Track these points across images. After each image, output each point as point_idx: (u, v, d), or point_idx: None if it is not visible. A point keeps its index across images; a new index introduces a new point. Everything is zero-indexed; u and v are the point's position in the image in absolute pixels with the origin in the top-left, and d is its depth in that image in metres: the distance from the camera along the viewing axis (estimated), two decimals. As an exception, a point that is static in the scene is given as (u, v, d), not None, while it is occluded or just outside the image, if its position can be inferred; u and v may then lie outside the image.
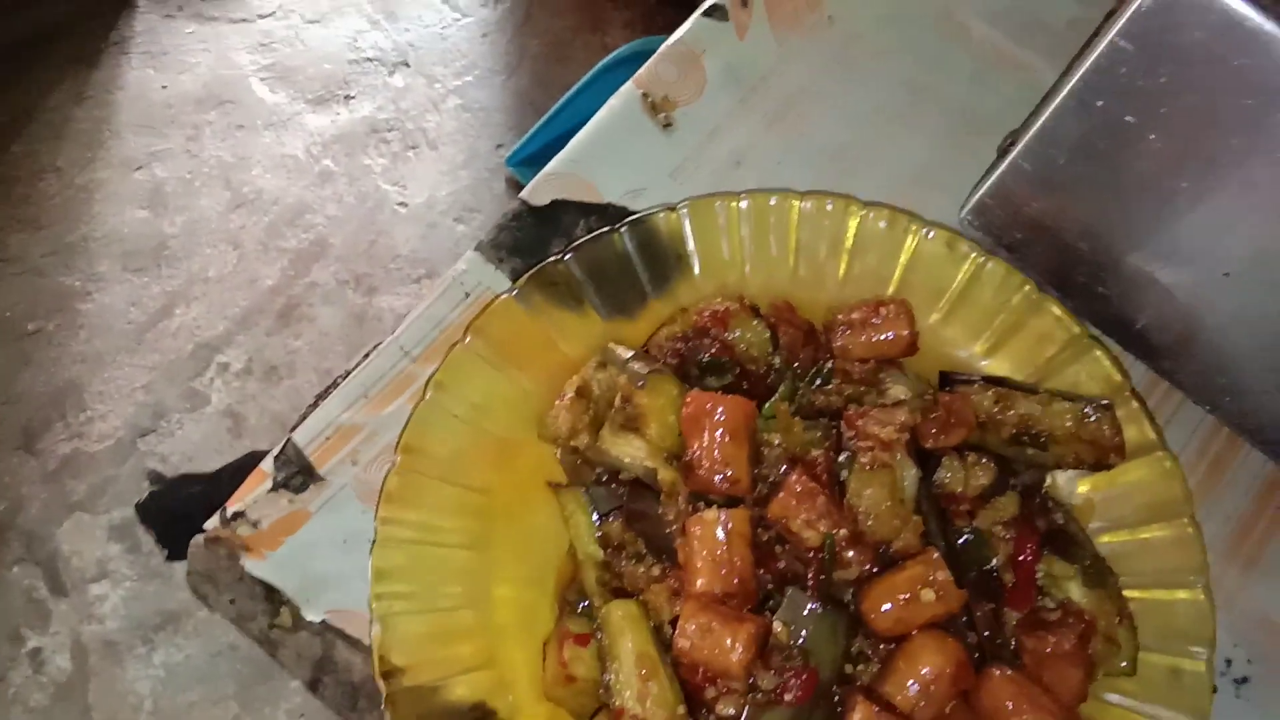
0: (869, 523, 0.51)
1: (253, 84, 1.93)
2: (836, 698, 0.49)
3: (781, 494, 0.51)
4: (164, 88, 1.91)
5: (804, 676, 0.47)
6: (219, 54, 1.95)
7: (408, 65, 1.97)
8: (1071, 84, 0.55)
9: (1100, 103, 0.54)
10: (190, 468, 1.63)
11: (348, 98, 1.93)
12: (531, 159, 1.82)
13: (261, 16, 1.99)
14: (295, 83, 1.94)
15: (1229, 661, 0.62)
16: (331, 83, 1.94)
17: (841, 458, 0.53)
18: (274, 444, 0.60)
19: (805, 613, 0.49)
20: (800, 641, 0.48)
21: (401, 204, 1.86)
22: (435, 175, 1.89)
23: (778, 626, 0.48)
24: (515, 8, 2.05)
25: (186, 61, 1.94)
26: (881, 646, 0.51)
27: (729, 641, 0.47)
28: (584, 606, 0.55)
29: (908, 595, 0.50)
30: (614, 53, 1.73)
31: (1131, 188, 0.56)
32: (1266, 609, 0.63)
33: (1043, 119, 0.57)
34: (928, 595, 0.50)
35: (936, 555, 0.50)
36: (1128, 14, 0.51)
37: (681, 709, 0.49)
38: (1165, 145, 0.54)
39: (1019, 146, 0.59)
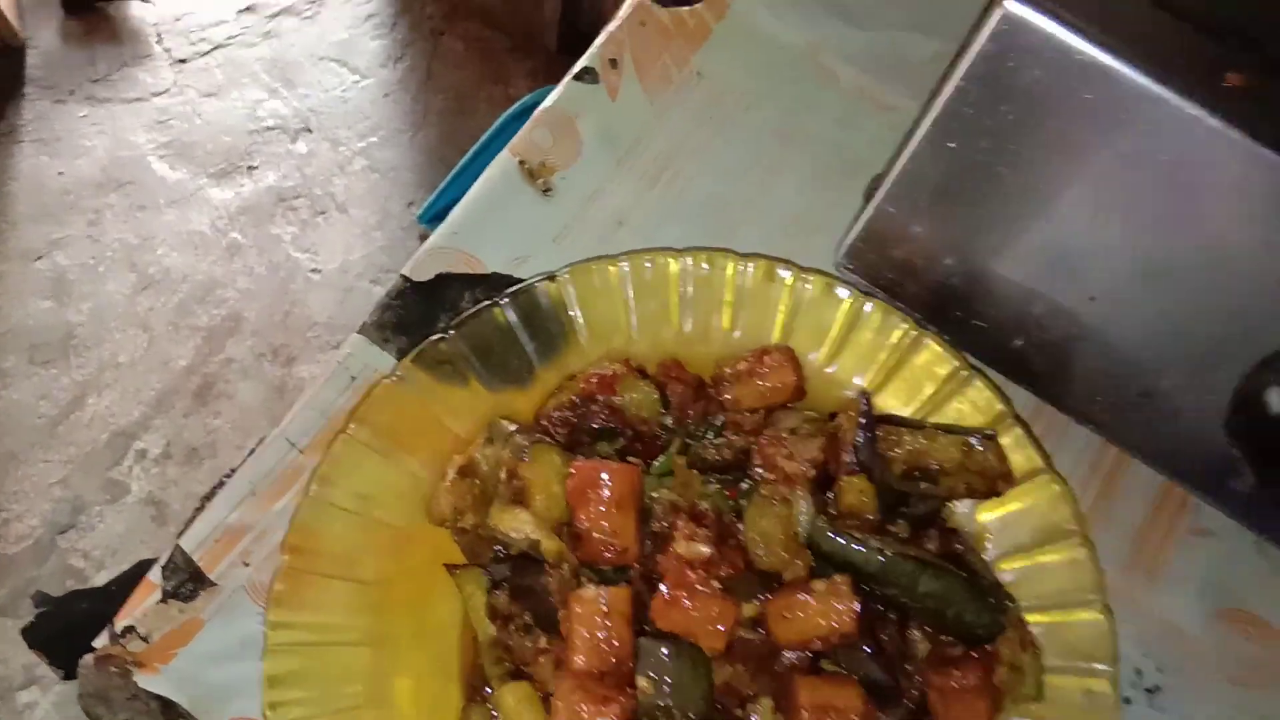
0: (759, 552, 0.52)
1: (152, 163, 1.90)
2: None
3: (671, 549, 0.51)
4: (60, 174, 1.87)
5: None
6: (115, 135, 1.92)
7: (310, 131, 1.96)
8: (924, 128, 0.56)
9: (952, 144, 0.56)
10: (114, 561, 1.58)
11: (251, 168, 1.91)
12: (444, 214, 1.81)
13: (156, 94, 1.96)
14: (195, 158, 1.91)
15: (1139, 671, 0.63)
16: (233, 155, 1.92)
17: (744, 485, 0.54)
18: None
19: (661, 657, 0.49)
20: (666, 691, 0.48)
21: (315, 270, 1.84)
22: (347, 239, 1.87)
23: (642, 682, 0.48)
24: (415, 65, 2.05)
25: (82, 145, 1.91)
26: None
27: None
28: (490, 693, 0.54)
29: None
30: (519, 102, 1.74)
31: (992, 223, 0.58)
32: (1171, 617, 0.64)
33: (901, 163, 0.58)
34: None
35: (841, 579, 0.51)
36: (970, 58, 0.53)
37: (589, 788, 0.48)
38: (1018, 180, 0.55)
39: (882, 191, 0.60)
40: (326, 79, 2.02)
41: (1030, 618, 0.57)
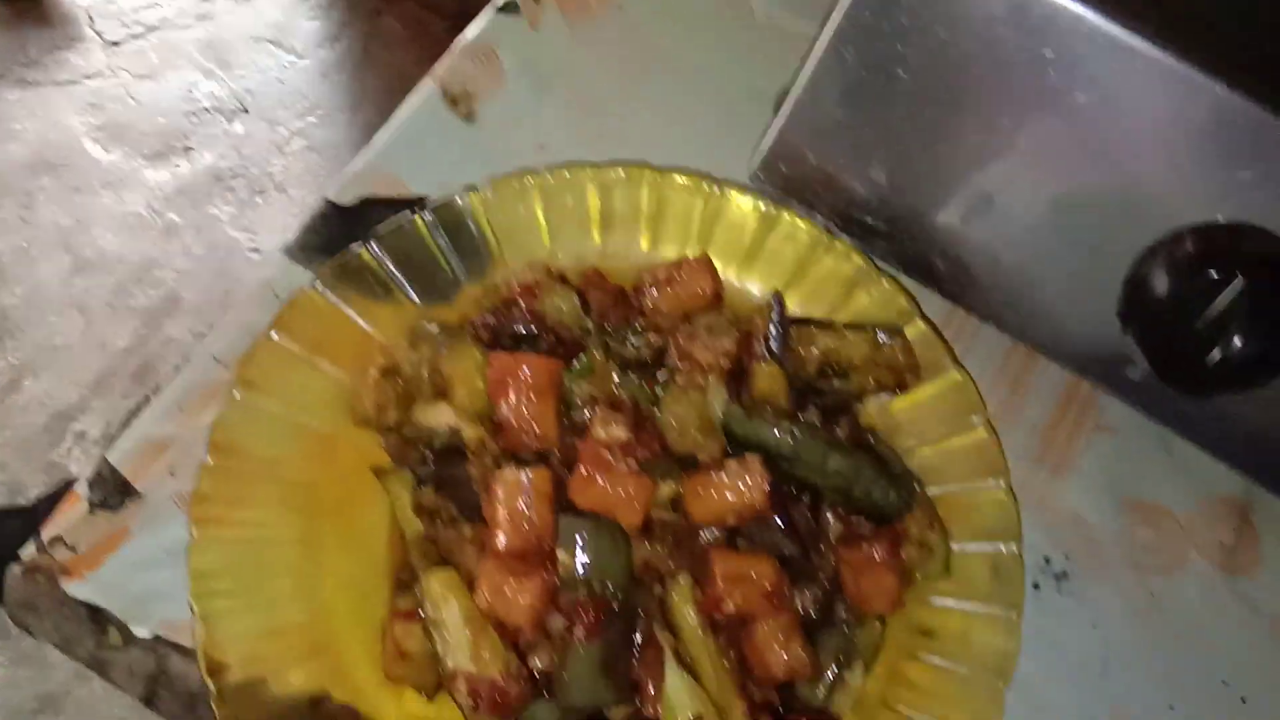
0: (675, 437, 0.54)
1: (86, 145, 1.88)
2: (638, 609, 0.51)
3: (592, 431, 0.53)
4: (-10, 157, 1.85)
5: (590, 610, 0.49)
6: (47, 118, 1.90)
7: (247, 111, 1.95)
8: (826, 37, 0.58)
9: (852, 51, 0.58)
10: (54, 543, 1.56)
11: (187, 149, 1.90)
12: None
13: (88, 77, 1.94)
14: (130, 140, 1.89)
15: (1048, 559, 0.66)
16: (169, 136, 1.91)
17: (661, 377, 0.57)
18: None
19: (581, 533, 0.50)
20: (584, 563, 0.50)
21: (254, 250, 1.83)
22: (286, 218, 1.87)
23: (562, 556, 0.50)
24: (353, 46, 2.05)
25: (12, 129, 1.88)
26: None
27: (517, 597, 0.48)
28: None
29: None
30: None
31: (893, 127, 0.60)
32: (1076, 508, 0.67)
33: (806, 72, 0.60)
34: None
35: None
36: (864, -36, 0.55)
37: (513, 659, 0.50)
38: (915, 84, 0.58)
39: (789, 101, 0.62)
40: (263, 60, 2.01)
41: (942, 501, 0.59)
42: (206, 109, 1.94)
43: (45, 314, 1.73)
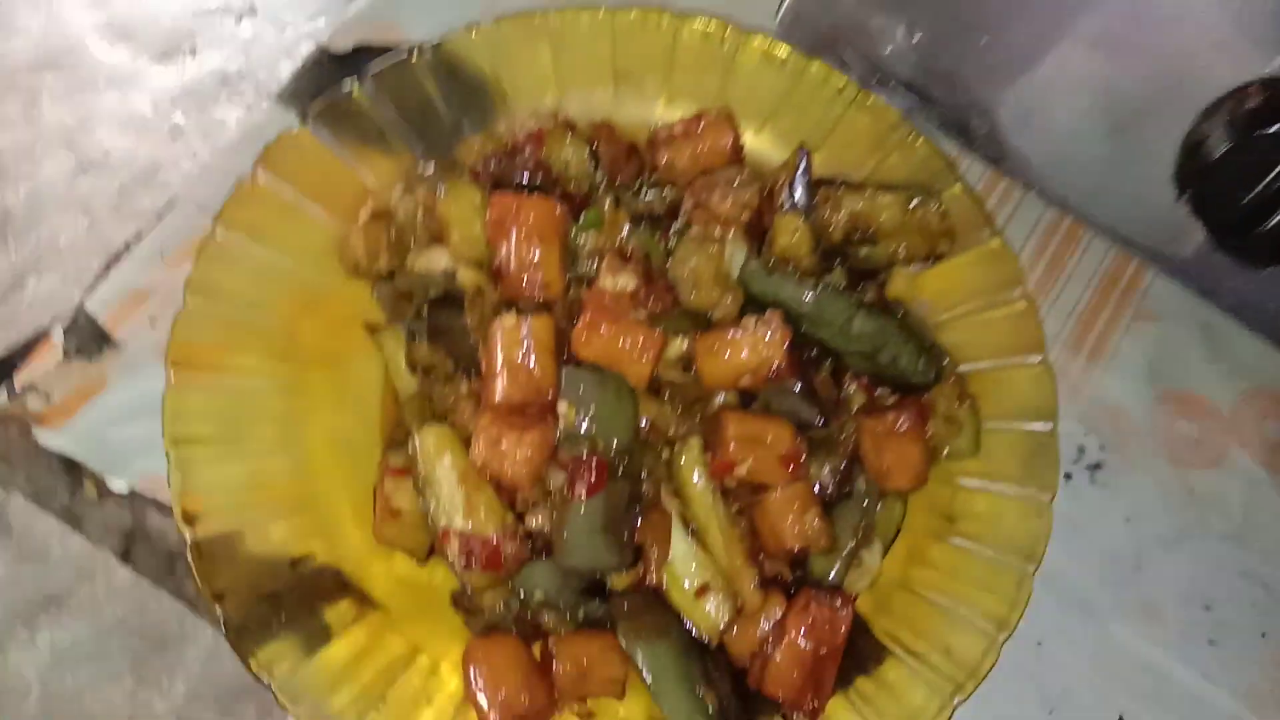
0: (687, 290, 0.50)
1: (91, 43, 1.82)
2: (644, 471, 0.47)
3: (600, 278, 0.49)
4: (-7, 53, 1.80)
5: (592, 465, 0.45)
6: (51, 14, 1.84)
7: (255, 13, 1.88)
8: None
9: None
10: (57, 443, 1.54)
11: (194, 50, 1.84)
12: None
13: (93, -28, 1.88)
14: (136, 38, 1.84)
15: (1082, 449, 0.62)
16: (176, 36, 1.85)
17: (675, 227, 0.52)
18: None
19: (584, 385, 0.47)
20: (588, 418, 0.46)
21: (262, 155, 1.78)
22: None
23: (563, 407, 0.46)
24: (365, -53, 1.97)
25: (15, 25, 1.82)
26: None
27: (514, 450, 0.45)
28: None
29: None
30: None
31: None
32: (1115, 398, 0.63)
33: (842, -99, 0.55)
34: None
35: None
36: None
37: (510, 517, 0.46)
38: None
39: (823, -65, 0.57)
40: (272, -40, 1.94)
41: (970, 376, 0.55)
42: (214, 9, 1.88)
43: (49, 213, 1.69)
